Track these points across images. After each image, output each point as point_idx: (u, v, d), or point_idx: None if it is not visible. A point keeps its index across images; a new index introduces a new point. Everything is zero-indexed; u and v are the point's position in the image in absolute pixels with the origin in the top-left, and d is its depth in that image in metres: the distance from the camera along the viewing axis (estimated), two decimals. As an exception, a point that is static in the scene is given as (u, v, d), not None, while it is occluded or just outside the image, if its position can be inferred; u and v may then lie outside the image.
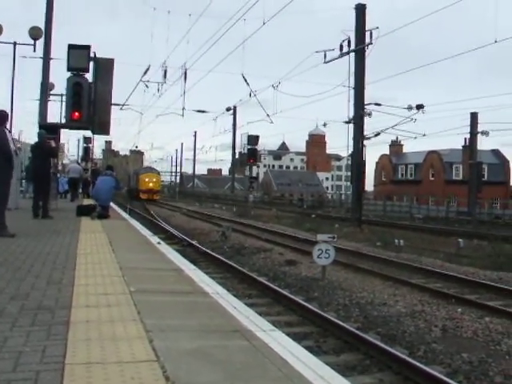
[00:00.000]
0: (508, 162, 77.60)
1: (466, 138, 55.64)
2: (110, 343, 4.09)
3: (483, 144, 54.20)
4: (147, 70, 33.27)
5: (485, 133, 45.23)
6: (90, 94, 15.66)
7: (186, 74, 33.64)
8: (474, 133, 47.50)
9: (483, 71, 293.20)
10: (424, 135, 35.31)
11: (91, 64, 15.73)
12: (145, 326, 4.59)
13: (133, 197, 69.14)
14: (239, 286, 13.20)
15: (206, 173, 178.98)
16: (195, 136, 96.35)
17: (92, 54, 15.67)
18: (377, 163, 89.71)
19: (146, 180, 74.93)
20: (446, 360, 7.97)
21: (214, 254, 17.93)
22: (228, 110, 52.84)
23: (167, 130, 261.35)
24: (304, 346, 7.53)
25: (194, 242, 20.77)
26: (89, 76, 15.83)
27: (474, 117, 47.33)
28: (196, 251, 18.94)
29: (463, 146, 61.69)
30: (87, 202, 24.34)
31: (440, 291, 12.96)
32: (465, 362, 7.90)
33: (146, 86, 34.75)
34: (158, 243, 11.55)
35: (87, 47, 15.74)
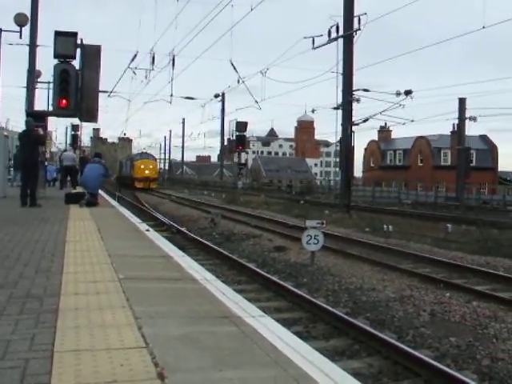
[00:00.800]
0: (496, 147, 77.91)
1: (454, 124, 55.82)
2: (98, 330, 4.10)
3: (471, 130, 54.47)
4: (135, 56, 33.15)
5: (473, 118, 45.46)
6: (77, 82, 15.58)
7: (173, 60, 33.55)
8: (462, 118, 47.63)
9: (471, 57, 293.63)
10: (412, 121, 35.36)
11: (78, 51, 15.63)
12: (134, 312, 4.59)
13: (127, 185, 62.68)
14: (228, 272, 13.22)
15: (194, 160, 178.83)
16: (183, 123, 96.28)
17: (79, 41, 15.58)
18: (365, 149, 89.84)
19: (142, 167, 67.14)
20: (435, 344, 8.02)
21: (203, 240, 17.93)
22: (216, 96, 52.94)
23: (155, 117, 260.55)
24: (293, 332, 7.57)
25: (183, 229, 20.77)
26: (76, 63, 15.75)
27: (462, 102, 47.45)
28: (185, 238, 18.94)
29: (451, 132, 61.91)
30: (76, 189, 24.23)
31: (428, 276, 13.02)
32: (453, 346, 7.96)
33: (134, 72, 34.65)
34: (147, 230, 11.54)
35: (74, 34, 15.64)
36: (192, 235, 19.21)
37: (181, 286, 5.87)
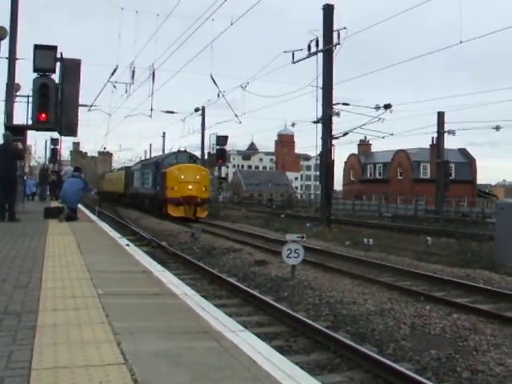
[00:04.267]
0: (474, 160, 78.55)
1: (433, 137, 56.14)
2: (77, 347, 4.06)
3: (450, 143, 54.83)
4: (115, 70, 32.96)
5: (451, 132, 45.80)
6: (57, 95, 15.52)
7: (154, 74, 33.39)
8: (440, 132, 47.91)
9: (449, 71, 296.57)
10: (392, 134, 35.58)
11: (58, 65, 15.58)
12: (113, 328, 4.56)
13: (140, 206, 43.99)
14: (209, 286, 13.17)
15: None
16: (164, 137, 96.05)
17: (59, 55, 15.52)
18: (345, 163, 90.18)
19: (182, 178, 37.11)
20: (415, 357, 8.03)
21: (183, 255, 17.87)
22: (196, 110, 52.61)
23: (136, 130, 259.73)
24: (274, 346, 7.58)
25: (163, 244, 20.68)
26: (56, 77, 15.68)
27: (440, 116, 47.77)
28: (165, 253, 18.87)
29: (431, 145, 62.26)
30: (55, 204, 24.07)
31: (409, 289, 13.08)
32: (433, 359, 7.97)
33: (114, 86, 34.43)
34: (127, 245, 11.47)
35: (54, 48, 15.58)
36: (172, 250, 19.14)
37: (160, 301, 5.83)
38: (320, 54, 30.78)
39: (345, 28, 29.41)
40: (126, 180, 55.70)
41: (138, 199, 47.68)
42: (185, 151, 40.94)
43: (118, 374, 3.48)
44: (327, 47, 30.43)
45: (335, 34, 30.22)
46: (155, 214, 37.98)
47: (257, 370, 3.62)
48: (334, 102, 31.67)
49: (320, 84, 31.29)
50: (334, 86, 31.54)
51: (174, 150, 43.74)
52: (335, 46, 30.39)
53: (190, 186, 36.52)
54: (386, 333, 9.31)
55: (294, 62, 31.13)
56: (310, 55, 30.62)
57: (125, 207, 49.85)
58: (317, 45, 30.45)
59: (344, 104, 32.44)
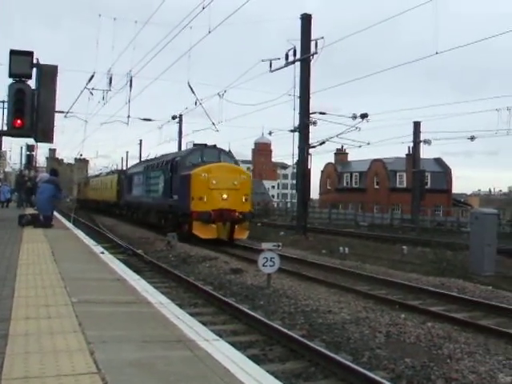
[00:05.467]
0: (450, 170, 79.15)
1: (409, 147, 56.55)
2: (49, 356, 4.01)
3: (426, 152, 55.27)
4: (92, 77, 32.77)
5: (427, 141, 46.16)
6: (33, 101, 15.38)
7: (131, 81, 33.26)
8: (416, 141, 48.30)
9: (426, 81, 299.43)
10: (368, 144, 35.74)
11: (34, 70, 15.45)
12: (86, 337, 4.52)
13: (159, 225, 31.05)
14: (185, 295, 13.11)
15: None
16: (141, 144, 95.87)
17: (35, 61, 15.40)
18: (322, 171, 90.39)
19: (214, 183, 26.06)
20: (390, 365, 8.05)
21: (159, 263, 17.78)
22: (174, 118, 52.41)
23: (112, 137, 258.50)
24: (250, 355, 7.57)
25: (139, 252, 20.57)
26: (32, 83, 15.56)
27: (416, 126, 48.16)
28: (141, 260, 18.75)
29: (407, 155, 62.69)
30: (30, 211, 23.85)
31: (384, 298, 13.13)
32: (408, 367, 8.00)
33: (91, 93, 34.21)
34: (102, 253, 11.41)
35: (30, 53, 15.45)
36: (148, 258, 19.03)
37: (135, 309, 5.80)
38: (297, 63, 30.88)
39: (322, 37, 29.54)
40: (120, 186, 46.52)
41: (138, 211, 37.42)
42: (214, 146, 29.02)
43: (90, 383, 3.45)
44: (304, 56, 30.54)
45: (313, 44, 30.36)
46: (164, 232, 27.14)
47: (230, 380, 3.61)
48: (310, 111, 31.78)
49: (297, 93, 31.40)
50: (311, 95, 31.66)
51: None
52: (312, 55, 30.51)
53: (225, 195, 25.58)
54: (361, 341, 9.33)
55: (271, 71, 31.20)
56: (287, 64, 30.71)
57: (118, 219, 42.85)
58: (294, 54, 30.55)
59: (321, 113, 32.56)
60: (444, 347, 9.04)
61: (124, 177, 45.49)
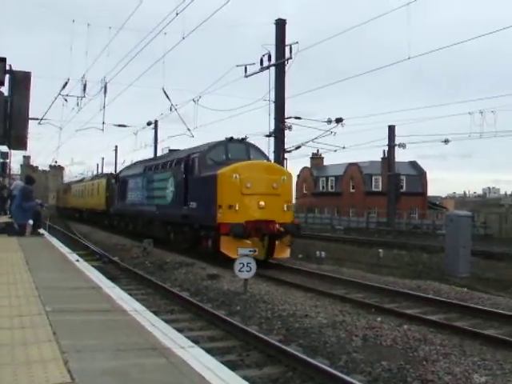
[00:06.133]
0: (425, 173, 79.75)
1: (384, 151, 56.97)
2: (22, 367, 3.97)
3: (401, 156, 55.64)
4: (66, 83, 32.56)
5: (402, 145, 46.49)
6: (6, 108, 15.22)
7: (106, 87, 33.13)
8: (391, 145, 48.62)
9: (400, 86, 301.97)
10: (344, 148, 35.88)
11: (7, 77, 15.32)
12: (60, 347, 4.48)
13: (167, 239, 25.41)
14: (161, 301, 13.06)
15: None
16: (116, 150, 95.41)
17: (8, 67, 15.27)
18: (298, 176, 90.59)
19: (248, 186, 19.84)
20: (367, 368, 8.09)
21: (135, 270, 17.69)
22: (149, 124, 52.19)
23: (87, 144, 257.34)
24: (227, 361, 7.57)
25: (115, 259, 20.45)
26: (4, 89, 15.41)
27: (391, 130, 48.50)
28: (117, 268, 18.65)
29: (382, 158, 63.11)
30: (4, 219, 23.62)
31: (360, 301, 13.20)
32: (384, 370, 8.04)
33: (65, 100, 34.00)
34: (77, 261, 11.32)
35: (3, 59, 15.29)
36: (124, 265, 18.93)
37: (110, 317, 5.76)
38: (272, 68, 30.96)
39: (297, 42, 29.61)
40: (110, 192, 40.93)
41: (136, 222, 31.53)
42: (242, 140, 23.13)
43: (63, 393, 3.42)
44: (279, 62, 30.62)
45: (287, 49, 30.45)
46: (173, 247, 24.01)
47: (206, 387, 3.60)
48: (286, 116, 31.86)
49: (272, 98, 31.47)
50: (286, 100, 31.73)
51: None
52: (287, 60, 30.60)
53: (263, 203, 19.95)
54: (338, 345, 9.35)
55: (246, 76, 31.23)
56: (262, 69, 30.75)
57: (106, 231, 37.90)
58: (269, 59, 30.60)
59: (296, 118, 32.64)
60: (420, 349, 9.11)
61: (115, 181, 38.78)
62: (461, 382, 7.57)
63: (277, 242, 19.86)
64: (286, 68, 31.09)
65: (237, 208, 19.46)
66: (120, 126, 49.52)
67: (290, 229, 20.06)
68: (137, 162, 36.93)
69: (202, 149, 23.14)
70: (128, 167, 38.77)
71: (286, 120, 31.82)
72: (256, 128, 32.01)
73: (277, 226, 19.57)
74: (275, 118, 31.68)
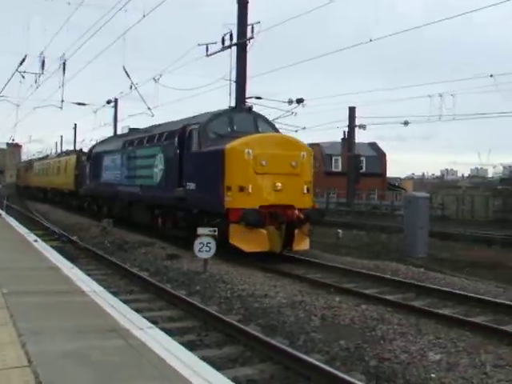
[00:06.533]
0: (384, 154, 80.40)
1: (344, 132, 57.23)
2: (-22, 350, 3.94)
3: (361, 137, 56.03)
4: (23, 60, 31.95)
5: (362, 126, 46.80)
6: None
7: (64, 64, 32.61)
8: (351, 126, 48.92)
9: (362, 68, 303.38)
10: (304, 128, 36.01)
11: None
12: (18, 329, 4.45)
13: (151, 225, 22.19)
14: (121, 282, 13.00)
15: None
16: (75, 129, 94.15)
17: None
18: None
19: (263, 164, 16.41)
20: (325, 348, 8.18)
21: (94, 249, 17.56)
22: (109, 102, 51.56)
23: (46, 122, 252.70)
24: (186, 341, 7.60)
25: (74, 238, 20.27)
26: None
27: (351, 111, 48.73)
28: (76, 247, 18.49)
29: (342, 139, 63.41)
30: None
31: (319, 281, 13.31)
32: (342, 349, 8.14)
33: (23, 76, 33.36)
34: (35, 241, 11.22)
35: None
36: (83, 244, 18.77)
37: (69, 299, 5.73)
38: (234, 48, 30.82)
39: (259, 22, 29.47)
40: (80, 170, 36.78)
41: (113, 205, 27.51)
42: (249, 109, 20.16)
43: (20, 377, 3.41)
44: (241, 41, 30.48)
45: (249, 28, 30.30)
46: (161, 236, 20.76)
47: (164, 368, 3.62)
48: (247, 96, 31.78)
49: (234, 78, 31.35)
50: (248, 80, 31.53)
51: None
52: (249, 39, 30.46)
53: (279, 184, 16.67)
54: (296, 325, 9.44)
55: (208, 55, 31.03)
56: (223, 49, 30.53)
57: (66, 211, 36.67)
58: (231, 38, 30.43)
59: (257, 98, 32.56)
60: (377, 329, 9.25)
61: (87, 158, 34.24)
62: (416, 360, 7.71)
63: (296, 231, 16.56)
64: (248, 47, 30.98)
65: (250, 190, 16.19)
66: (79, 104, 48.79)
67: (312, 215, 17.04)
68: (114, 137, 33.79)
69: (201, 119, 19.35)
70: (102, 142, 34.06)
71: (246, 100, 31.76)
72: (217, 107, 31.85)
73: (296, 212, 16.48)
74: (236, 98, 31.57)
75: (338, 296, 11.69)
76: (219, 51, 30.89)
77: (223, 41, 30.62)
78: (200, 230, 14.36)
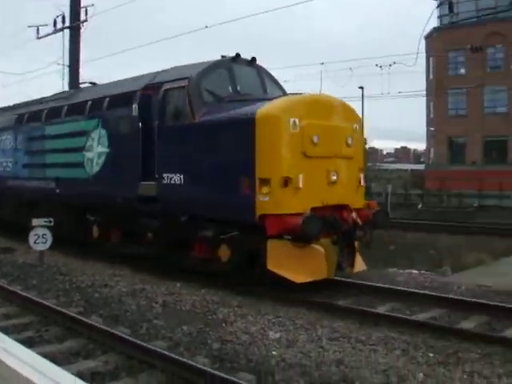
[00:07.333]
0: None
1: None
2: None
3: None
4: None
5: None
6: None
7: None
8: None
9: (197, 53, 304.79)
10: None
11: None
12: None
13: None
14: None
15: None
16: None
17: None
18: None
19: (315, 142, 10.39)
20: (168, 334, 8.22)
21: None
22: None
23: None
24: (24, 338, 7.36)
25: None
26: None
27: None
28: None
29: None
30: None
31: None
32: (185, 334, 8.23)
33: None
34: None
35: None
36: None
37: None
38: (67, 31, 29.81)
39: (93, 5, 28.69)
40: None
41: (4, 205, 19.93)
42: (253, 60, 13.01)
43: None
44: (74, 24, 29.54)
45: (83, 11, 29.41)
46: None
47: (1, 369, 3.48)
48: (81, 81, 30.91)
49: (67, 62, 30.36)
50: (81, 65, 30.78)
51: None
52: (82, 22, 29.59)
53: (334, 173, 10.99)
54: (138, 313, 9.42)
55: (38, 38, 29.83)
56: (55, 31, 29.50)
57: None
58: (63, 21, 29.42)
59: (91, 83, 31.83)
60: (218, 312, 9.46)
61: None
62: (257, 340, 7.98)
63: (356, 245, 11.34)
64: (82, 31, 30.10)
65: (299, 184, 10.28)
66: None
67: (379, 219, 11.67)
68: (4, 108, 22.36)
69: (186, 72, 12.43)
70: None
71: (80, 85, 30.91)
72: (49, 93, 30.77)
73: (353, 215, 11.14)
74: (69, 83, 30.66)
75: (178, 282, 11.75)
76: (51, 34, 29.74)
77: (55, 23, 29.53)
78: (34, 222, 13.87)
